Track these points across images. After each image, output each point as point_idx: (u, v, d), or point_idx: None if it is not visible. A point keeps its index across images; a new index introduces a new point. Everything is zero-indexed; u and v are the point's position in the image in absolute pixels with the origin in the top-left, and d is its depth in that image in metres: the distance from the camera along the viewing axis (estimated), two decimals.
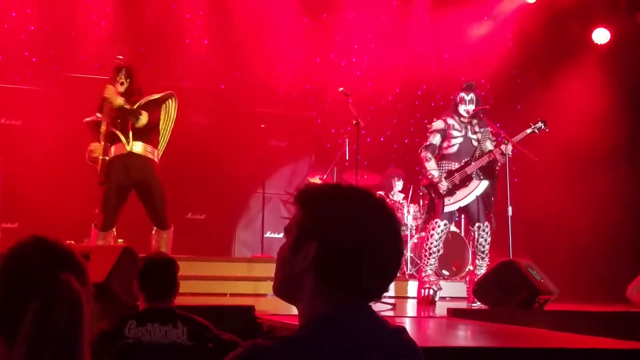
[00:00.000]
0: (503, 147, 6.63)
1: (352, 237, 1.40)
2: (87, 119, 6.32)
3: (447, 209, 6.71)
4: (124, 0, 9.17)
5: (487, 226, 6.70)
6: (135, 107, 6.06)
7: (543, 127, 6.74)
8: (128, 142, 6.09)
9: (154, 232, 6.25)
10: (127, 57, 6.54)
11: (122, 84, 6.15)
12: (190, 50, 9.38)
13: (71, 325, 1.32)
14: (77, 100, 7.82)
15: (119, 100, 6.05)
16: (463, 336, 4.37)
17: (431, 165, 6.75)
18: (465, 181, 6.74)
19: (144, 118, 6.05)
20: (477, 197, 6.70)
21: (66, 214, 7.78)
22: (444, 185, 6.66)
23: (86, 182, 6.86)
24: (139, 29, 9.11)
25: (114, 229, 6.18)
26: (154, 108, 6.22)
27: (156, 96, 6.27)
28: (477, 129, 6.85)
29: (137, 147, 6.13)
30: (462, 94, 6.86)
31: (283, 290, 1.49)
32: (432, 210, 6.85)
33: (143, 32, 9.14)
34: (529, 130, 6.75)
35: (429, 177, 6.73)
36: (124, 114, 6.06)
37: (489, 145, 6.84)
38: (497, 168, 6.78)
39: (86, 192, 7.32)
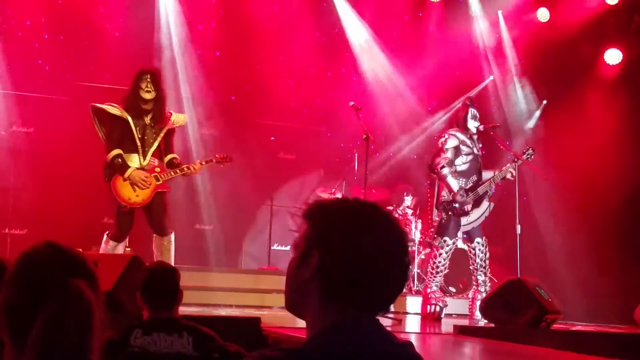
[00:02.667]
0: (508, 173, 6.64)
1: (354, 248, 1.40)
2: (101, 105, 6.23)
3: (463, 229, 6.69)
4: (137, 11, 9.24)
5: (485, 240, 6.70)
6: (161, 134, 6.19)
7: (532, 154, 6.76)
8: (145, 158, 6.14)
9: (153, 238, 6.26)
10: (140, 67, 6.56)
11: (148, 91, 6.11)
12: (202, 61, 9.43)
13: (81, 331, 1.32)
14: (88, 109, 7.86)
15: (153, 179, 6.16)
16: (469, 354, 4.35)
17: (455, 184, 6.65)
18: (478, 202, 6.71)
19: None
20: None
21: (75, 222, 7.82)
22: (469, 206, 6.62)
23: (95, 189, 6.90)
24: (151, 39, 9.17)
25: (126, 241, 6.23)
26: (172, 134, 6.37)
27: (181, 122, 6.40)
28: (478, 145, 6.85)
29: (147, 161, 6.20)
30: (473, 110, 6.84)
31: (291, 303, 1.50)
32: (441, 228, 6.78)
33: (155, 43, 9.19)
34: (524, 157, 6.76)
35: (458, 197, 6.60)
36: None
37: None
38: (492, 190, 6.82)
39: (95, 200, 7.36)
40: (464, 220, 6.66)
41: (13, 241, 7.79)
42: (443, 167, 6.64)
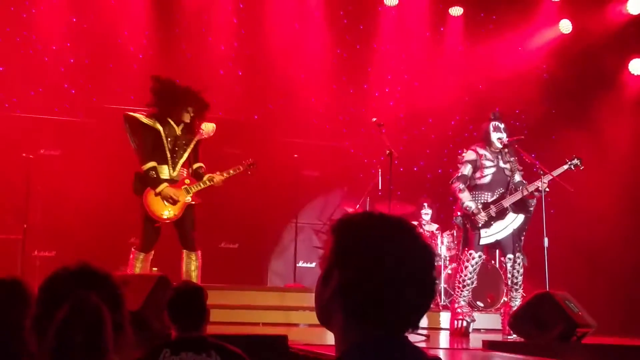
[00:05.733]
0: (539, 183, 6.55)
1: (373, 268, 1.37)
2: (133, 114, 6.37)
3: (483, 242, 6.61)
4: (161, 32, 9.36)
5: (519, 257, 6.60)
6: (192, 145, 6.37)
7: (578, 163, 6.68)
8: (174, 169, 6.25)
9: (183, 253, 6.34)
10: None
11: (189, 115, 6.36)
12: (225, 81, 9.50)
13: (90, 337, 1.36)
14: (114, 131, 7.96)
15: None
16: None
17: (466, 197, 6.65)
18: (502, 214, 6.64)
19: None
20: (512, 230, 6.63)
21: (103, 243, 7.88)
22: (482, 218, 6.56)
23: (122, 211, 6.97)
24: (175, 60, 9.27)
25: (152, 252, 6.28)
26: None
27: (209, 133, 6.51)
28: (507, 158, 6.79)
29: (176, 172, 6.29)
30: (496, 123, 6.80)
31: (320, 318, 1.49)
32: (466, 241, 6.75)
33: (179, 64, 9.29)
34: (565, 167, 6.69)
35: (466, 208, 6.63)
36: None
37: (517, 177, 6.77)
38: (532, 204, 6.69)
39: (122, 221, 7.43)
40: (483, 232, 6.61)
41: (42, 263, 7.87)
42: (455, 181, 6.73)
